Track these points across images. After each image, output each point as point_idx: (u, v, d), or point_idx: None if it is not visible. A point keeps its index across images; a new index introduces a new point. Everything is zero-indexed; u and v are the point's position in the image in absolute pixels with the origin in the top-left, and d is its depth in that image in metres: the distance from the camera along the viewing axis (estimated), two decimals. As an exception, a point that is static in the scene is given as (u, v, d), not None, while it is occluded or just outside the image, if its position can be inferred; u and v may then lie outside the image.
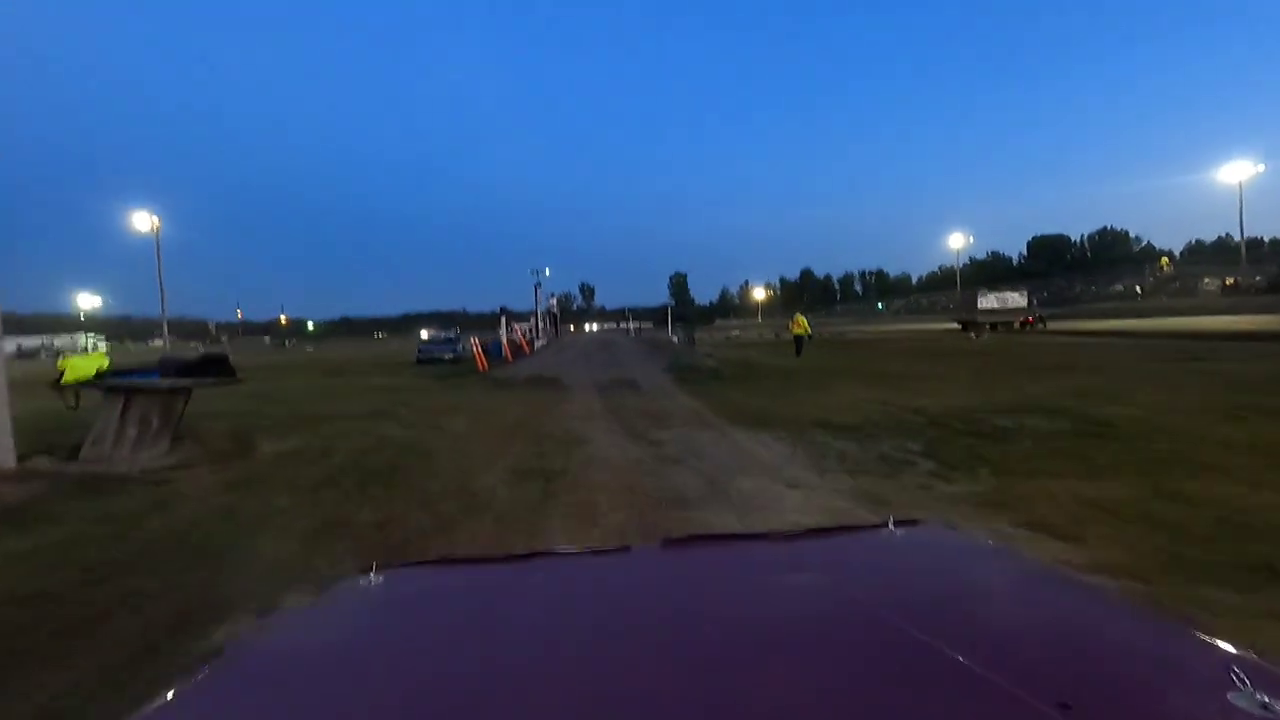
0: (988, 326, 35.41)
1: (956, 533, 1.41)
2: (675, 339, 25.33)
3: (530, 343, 23.44)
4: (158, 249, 42.09)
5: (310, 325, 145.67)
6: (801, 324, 22.42)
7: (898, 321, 71.55)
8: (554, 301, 27.37)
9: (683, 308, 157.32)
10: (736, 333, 66.57)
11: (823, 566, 1.15)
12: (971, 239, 76.81)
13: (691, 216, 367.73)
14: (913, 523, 1.37)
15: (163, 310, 44.49)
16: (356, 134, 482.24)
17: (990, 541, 1.34)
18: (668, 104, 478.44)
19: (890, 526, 1.32)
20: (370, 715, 0.71)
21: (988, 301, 36.82)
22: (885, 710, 0.66)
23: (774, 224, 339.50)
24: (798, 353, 21.44)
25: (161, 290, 43.16)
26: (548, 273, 78.63)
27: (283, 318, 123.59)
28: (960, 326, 37.64)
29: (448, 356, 23.17)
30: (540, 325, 24.72)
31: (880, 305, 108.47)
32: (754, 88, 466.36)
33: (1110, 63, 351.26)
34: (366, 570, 1.19)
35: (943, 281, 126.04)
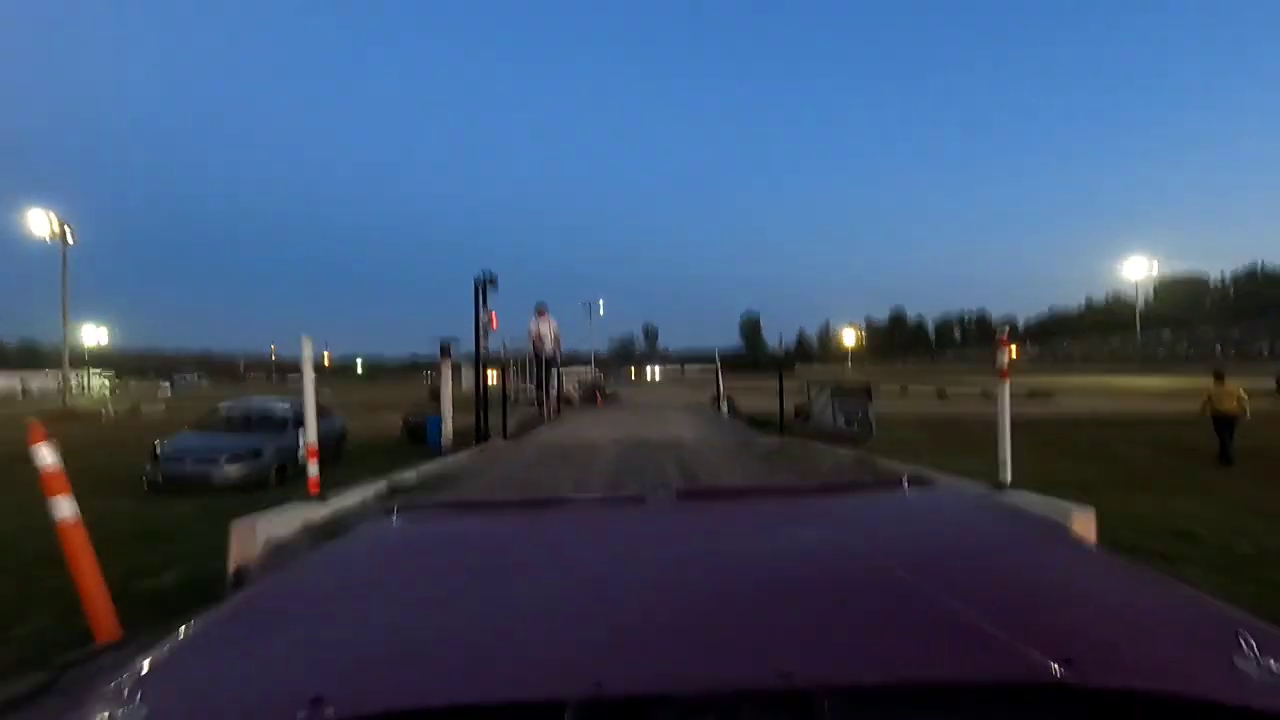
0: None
1: (968, 494, 1.45)
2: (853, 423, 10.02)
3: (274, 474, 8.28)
4: (63, 258, 31.65)
5: (359, 366, 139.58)
6: (1233, 396, 9.58)
7: (1048, 373, 52.86)
8: (542, 326, 11.28)
9: (756, 353, 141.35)
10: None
11: (836, 521, 1.15)
12: (1155, 266, 58.21)
13: (763, 256, 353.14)
14: (925, 482, 1.43)
15: (64, 335, 33.87)
16: (421, 170, 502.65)
17: (999, 501, 1.41)
18: (738, 141, 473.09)
19: (904, 485, 1.37)
20: (387, 650, 0.73)
21: None
22: (892, 661, 0.67)
23: (855, 263, 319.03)
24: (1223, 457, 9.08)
25: (64, 311, 32.52)
26: (601, 305, 62.43)
27: (326, 356, 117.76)
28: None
29: (230, 471, 8.09)
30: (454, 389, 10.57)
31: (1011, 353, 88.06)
32: (827, 122, 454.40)
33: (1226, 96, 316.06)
34: (390, 511, 1.28)
35: (1060, 326, 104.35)
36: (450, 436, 12.01)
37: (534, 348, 11.12)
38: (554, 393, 11.18)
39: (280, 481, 8.38)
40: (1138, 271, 56.22)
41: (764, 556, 1.00)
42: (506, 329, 11.15)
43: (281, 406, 9.39)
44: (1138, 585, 0.90)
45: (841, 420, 12.34)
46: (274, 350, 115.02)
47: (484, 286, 8.59)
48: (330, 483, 8.36)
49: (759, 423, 14.28)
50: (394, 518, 1.25)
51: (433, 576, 0.97)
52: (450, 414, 11.97)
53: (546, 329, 11.40)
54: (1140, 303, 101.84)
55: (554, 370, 11.55)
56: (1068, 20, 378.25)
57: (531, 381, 11.33)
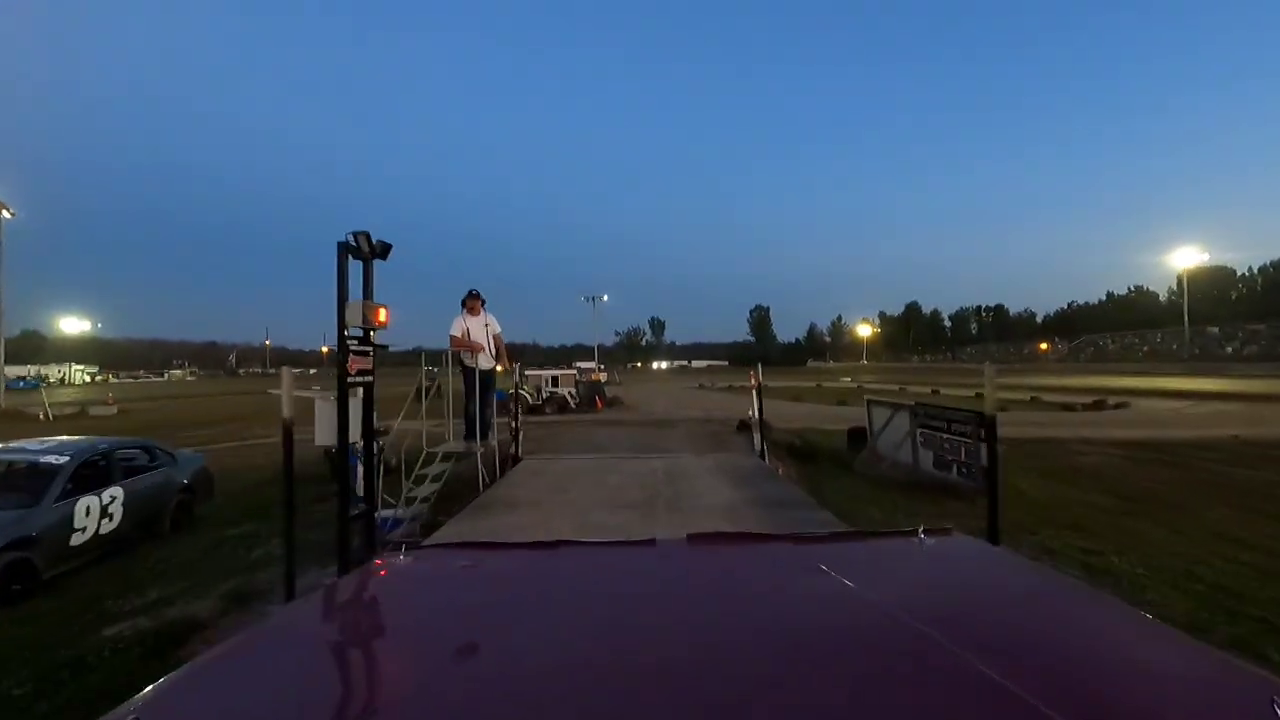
0: None
1: (985, 545, 1.30)
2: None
3: None
4: (-3, 241, 28.14)
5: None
6: None
7: (1085, 372, 48.41)
8: (472, 327, 6.90)
9: (765, 347, 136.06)
10: (849, 379, 45.40)
11: (850, 571, 1.09)
12: (1207, 256, 53.50)
13: (774, 249, 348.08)
14: (943, 532, 1.31)
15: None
16: (424, 174, 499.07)
17: (1018, 556, 1.23)
18: (748, 131, 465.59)
19: (919, 534, 1.27)
20: (391, 691, 0.72)
21: None
22: (909, 719, 0.65)
23: (868, 257, 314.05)
24: None
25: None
26: (605, 299, 58.67)
27: (324, 349, 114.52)
28: None
29: None
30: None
31: (1041, 348, 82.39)
32: (840, 113, 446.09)
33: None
34: (396, 549, 1.26)
35: (1081, 320, 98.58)
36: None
37: (460, 360, 6.88)
38: (492, 431, 7.11)
39: (18, 598, 4.77)
40: (1187, 261, 51.50)
41: (778, 605, 0.97)
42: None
43: (50, 458, 5.66)
44: (1167, 647, 0.85)
45: (930, 460, 8.60)
46: (267, 342, 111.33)
47: (366, 257, 4.82)
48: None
49: (804, 454, 10.53)
50: (401, 555, 1.22)
51: (439, 618, 0.95)
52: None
53: (481, 331, 6.92)
54: (1166, 295, 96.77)
55: (492, 395, 7.20)
56: (1085, 16, 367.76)
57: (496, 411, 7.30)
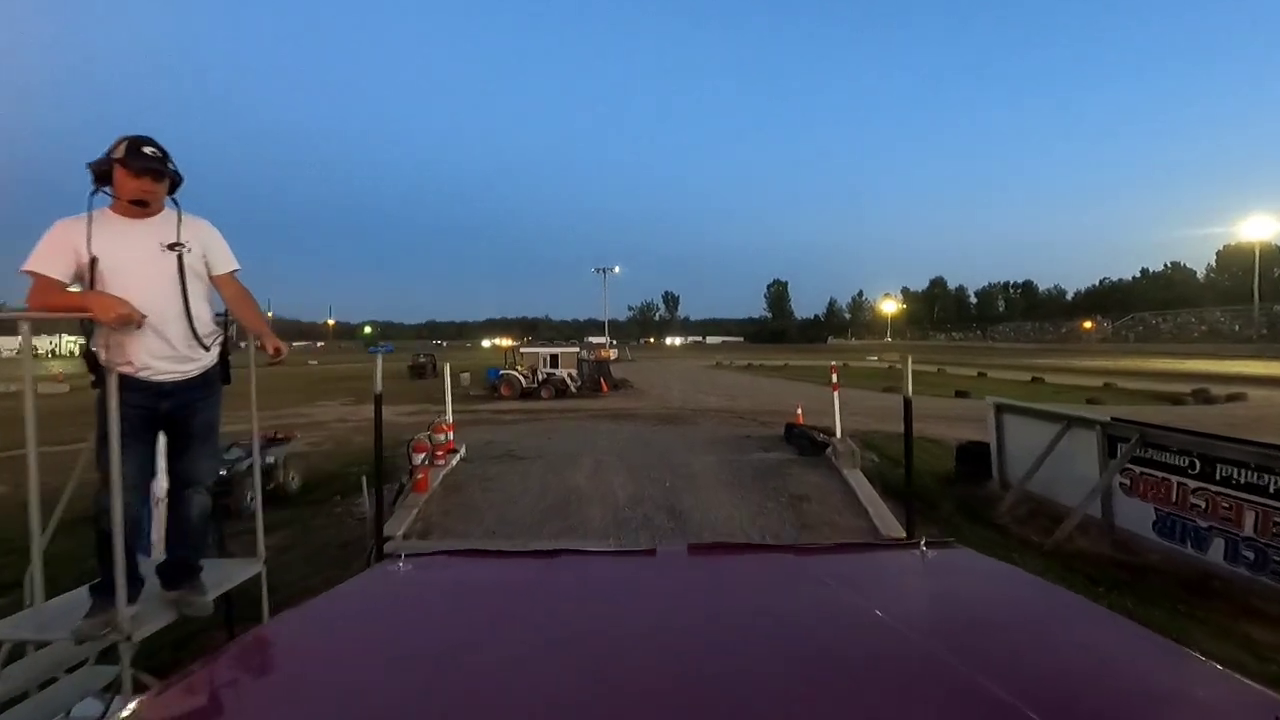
0: None
1: (988, 559, 1.25)
2: None
3: None
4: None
5: (367, 329, 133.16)
6: None
7: (1142, 354, 43.71)
8: (107, 249, 1.89)
9: (783, 323, 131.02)
10: (875, 359, 39.89)
11: (852, 583, 1.08)
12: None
13: (791, 222, 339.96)
14: (945, 544, 1.30)
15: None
16: (441, 143, 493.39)
17: (1021, 570, 1.18)
18: (766, 102, 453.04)
19: (921, 546, 1.26)
20: (384, 702, 0.71)
21: None
22: None
23: (888, 230, 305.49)
24: None
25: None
26: (617, 270, 54.74)
27: (330, 321, 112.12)
28: None
29: None
30: None
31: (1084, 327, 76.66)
32: (859, 86, 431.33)
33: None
34: (396, 556, 1.25)
35: (1116, 297, 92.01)
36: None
37: (85, 350, 2.09)
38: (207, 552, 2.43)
39: None
40: (1261, 231, 46.22)
41: (779, 618, 0.96)
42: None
43: None
44: (1171, 663, 0.84)
45: (1149, 521, 4.90)
46: (270, 313, 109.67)
47: None
48: None
49: (897, 486, 6.83)
50: (399, 564, 1.22)
51: (434, 627, 0.95)
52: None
53: (157, 261, 2.05)
54: (1204, 271, 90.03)
55: (204, 456, 2.28)
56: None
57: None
